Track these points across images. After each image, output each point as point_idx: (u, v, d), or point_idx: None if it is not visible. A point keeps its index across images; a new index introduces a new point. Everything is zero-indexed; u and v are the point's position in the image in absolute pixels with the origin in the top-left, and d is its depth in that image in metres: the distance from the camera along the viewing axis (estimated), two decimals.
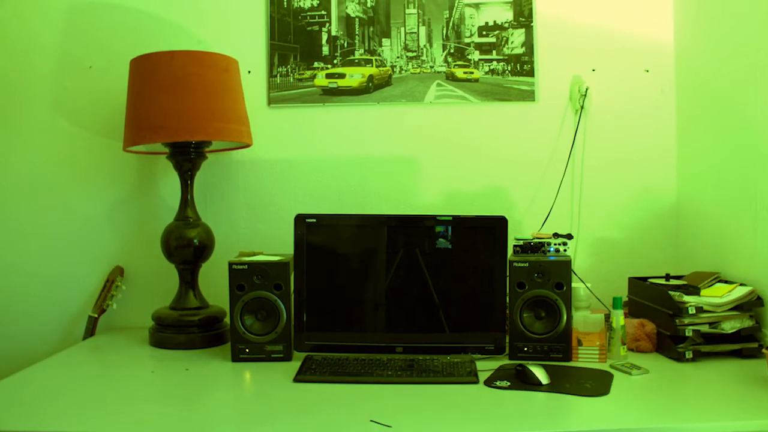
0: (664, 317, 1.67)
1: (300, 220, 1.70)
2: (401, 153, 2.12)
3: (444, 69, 2.14)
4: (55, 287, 2.12)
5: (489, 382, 1.46)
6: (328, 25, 2.13)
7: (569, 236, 1.80)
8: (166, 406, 1.39)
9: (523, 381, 1.45)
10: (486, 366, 1.58)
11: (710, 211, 1.92)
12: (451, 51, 2.14)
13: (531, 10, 2.12)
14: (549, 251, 1.76)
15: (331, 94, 2.13)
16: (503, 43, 2.13)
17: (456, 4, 2.13)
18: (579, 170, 2.11)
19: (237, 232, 2.11)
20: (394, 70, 2.14)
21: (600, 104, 2.10)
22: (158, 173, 2.12)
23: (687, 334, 1.62)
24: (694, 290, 1.69)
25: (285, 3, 2.12)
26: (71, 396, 1.44)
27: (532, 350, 1.64)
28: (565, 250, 1.76)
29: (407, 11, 2.14)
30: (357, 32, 2.14)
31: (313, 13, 2.13)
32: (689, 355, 1.61)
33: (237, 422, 1.29)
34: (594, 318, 1.73)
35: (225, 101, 1.84)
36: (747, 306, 1.64)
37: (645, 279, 1.85)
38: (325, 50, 2.14)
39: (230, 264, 1.68)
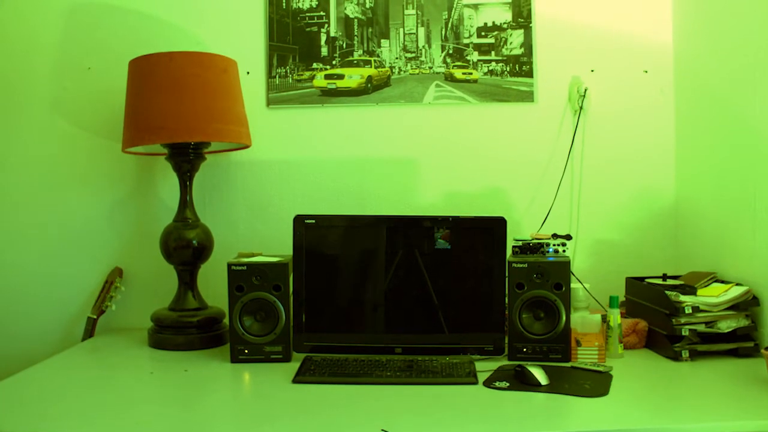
0: (660, 317, 1.68)
1: (299, 221, 1.71)
2: (400, 154, 2.12)
3: (443, 70, 2.14)
4: (54, 288, 2.12)
5: (488, 383, 1.47)
6: (327, 26, 2.14)
7: (568, 237, 1.81)
8: (165, 407, 1.39)
9: (522, 382, 1.45)
10: (485, 367, 1.59)
11: (709, 211, 1.92)
12: (450, 52, 2.14)
13: (530, 10, 2.12)
14: (548, 252, 1.76)
15: (330, 95, 2.13)
16: (502, 43, 2.13)
17: (455, 5, 2.13)
18: (578, 171, 2.12)
19: (236, 233, 2.12)
20: (393, 70, 2.14)
21: (599, 105, 2.10)
22: (157, 174, 2.12)
23: (683, 334, 1.63)
24: (690, 290, 1.69)
25: (284, 4, 2.12)
26: (70, 397, 1.44)
27: (531, 351, 1.64)
28: (564, 251, 1.76)
29: (406, 12, 2.14)
30: (356, 33, 2.14)
31: (311, 14, 2.13)
32: (686, 354, 1.62)
33: (236, 423, 1.29)
34: (593, 318, 1.73)
35: (224, 102, 1.84)
36: (743, 306, 1.65)
37: (642, 279, 1.86)
38: (324, 51, 2.14)
39: (229, 265, 1.68)
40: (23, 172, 2.12)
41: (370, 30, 2.14)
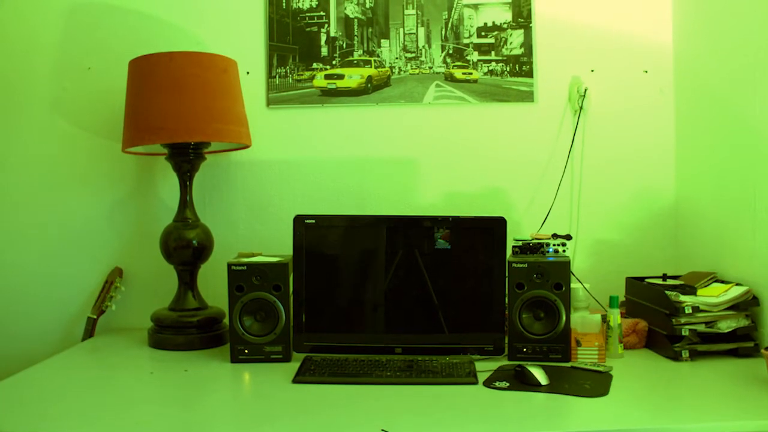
0: (660, 317, 1.68)
1: (299, 221, 1.71)
2: (400, 154, 2.12)
3: (443, 70, 2.14)
4: (54, 288, 2.12)
5: (488, 383, 1.47)
6: (326, 26, 2.14)
7: (568, 237, 1.81)
8: (165, 407, 1.39)
9: (522, 382, 1.45)
10: (485, 367, 1.59)
11: (709, 211, 1.92)
12: (450, 52, 2.14)
13: (530, 10, 2.12)
14: (548, 252, 1.76)
15: (330, 95, 2.13)
16: (502, 43, 2.13)
17: (455, 5, 2.13)
18: (578, 171, 2.12)
19: (236, 233, 2.12)
20: (393, 70, 2.14)
21: (599, 105, 2.10)
22: (157, 174, 2.12)
23: (683, 334, 1.63)
24: (690, 290, 1.69)
25: (284, 4, 2.12)
26: (70, 397, 1.44)
27: (531, 351, 1.64)
28: (564, 251, 1.76)
29: (406, 12, 2.14)
30: (356, 33, 2.14)
31: (311, 14, 2.13)
32: (686, 354, 1.62)
33: (236, 423, 1.29)
34: (593, 318, 1.73)
35: (224, 102, 1.84)
36: (743, 306, 1.65)
37: (642, 279, 1.86)
38: (324, 51, 2.14)
39: (229, 265, 1.68)
40: (23, 172, 2.12)
41: (370, 30, 2.14)
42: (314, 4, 2.13)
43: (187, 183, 1.93)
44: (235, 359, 1.67)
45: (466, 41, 2.14)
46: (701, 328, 1.64)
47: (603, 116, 2.11)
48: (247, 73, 2.10)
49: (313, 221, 1.71)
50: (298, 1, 2.13)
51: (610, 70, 2.11)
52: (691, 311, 1.63)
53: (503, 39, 2.13)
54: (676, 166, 2.11)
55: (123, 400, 1.42)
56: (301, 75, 2.13)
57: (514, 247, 1.78)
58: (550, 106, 2.12)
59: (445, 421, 1.26)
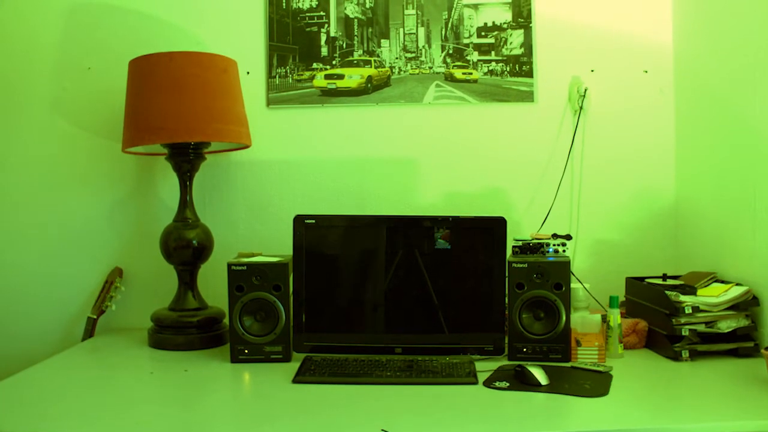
0: (660, 317, 1.68)
1: (299, 221, 1.71)
2: (400, 154, 2.12)
3: (443, 70, 2.14)
4: (54, 288, 2.12)
5: (488, 383, 1.47)
6: (326, 26, 2.14)
7: (568, 237, 1.81)
8: (165, 408, 1.39)
9: (522, 382, 1.45)
10: (485, 367, 1.59)
11: (709, 211, 1.92)
12: (450, 52, 2.14)
13: (530, 10, 2.12)
14: (548, 252, 1.76)
15: (330, 95, 2.13)
16: (502, 43, 2.13)
17: (455, 5, 2.13)
18: (578, 171, 2.12)
19: (236, 233, 2.12)
20: (393, 70, 2.14)
21: (599, 105, 2.10)
22: (157, 174, 2.12)
23: (683, 334, 1.63)
24: (690, 290, 1.69)
25: (284, 4, 2.12)
26: (70, 397, 1.44)
27: (531, 351, 1.64)
28: (564, 251, 1.76)
29: (406, 12, 2.14)
30: (356, 33, 2.14)
31: (311, 14, 2.13)
32: (686, 354, 1.62)
33: (236, 423, 1.29)
34: (593, 318, 1.73)
35: (224, 102, 1.84)
36: (743, 305, 1.65)
37: (642, 279, 1.86)
38: (324, 51, 2.14)
39: (229, 265, 1.68)
40: (23, 172, 2.12)
41: (370, 30, 2.14)
42: (314, 4, 2.13)
43: (187, 183, 1.93)
44: (235, 359, 1.67)
45: (466, 41, 2.14)
46: (701, 328, 1.64)
47: (603, 116, 2.11)
48: (247, 73, 2.10)
49: (313, 221, 1.71)
50: (298, 1, 2.13)
51: (610, 70, 2.11)
52: (691, 311, 1.63)
53: (503, 39, 2.13)
54: (676, 166, 2.11)
55: (123, 400, 1.42)
56: (301, 75, 2.13)
57: (514, 247, 1.78)
58: (550, 106, 2.12)
59: (445, 421, 1.26)
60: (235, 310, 1.67)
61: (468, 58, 2.14)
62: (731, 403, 1.34)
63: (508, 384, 1.45)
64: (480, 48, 2.14)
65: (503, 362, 1.63)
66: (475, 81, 2.13)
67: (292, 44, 2.13)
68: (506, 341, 1.67)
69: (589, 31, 2.11)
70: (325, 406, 1.35)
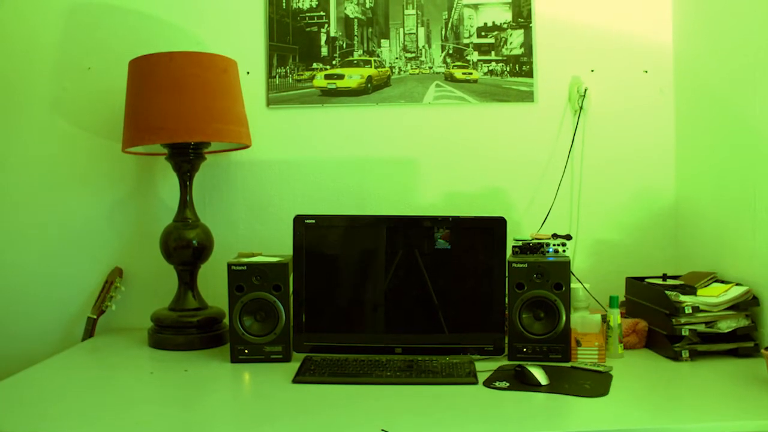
0: (660, 317, 1.68)
1: (299, 221, 1.71)
2: (400, 154, 2.12)
3: (443, 70, 2.14)
4: (54, 288, 2.12)
5: (488, 383, 1.47)
6: (326, 26, 2.14)
7: (568, 237, 1.81)
8: (165, 407, 1.39)
9: (522, 382, 1.45)
10: (485, 367, 1.59)
11: (709, 211, 1.92)
12: (450, 52, 2.14)
13: (530, 10, 2.12)
14: (548, 252, 1.76)
15: (330, 95, 2.13)
16: (502, 43, 2.13)
17: (455, 5, 2.13)
18: (578, 171, 2.12)
19: (236, 233, 2.12)
20: (393, 70, 2.14)
21: (599, 105, 2.10)
22: (157, 174, 2.12)
23: (683, 334, 1.63)
24: (690, 290, 1.69)
25: (284, 4, 2.12)
26: (70, 397, 1.44)
27: (531, 351, 1.64)
28: (564, 251, 1.76)
29: (406, 12, 2.14)
30: (356, 33, 2.14)
31: (311, 14, 2.13)
32: (686, 354, 1.62)
33: (236, 423, 1.29)
34: (593, 318, 1.73)
35: (224, 102, 1.84)
36: (743, 305, 1.65)
37: (642, 279, 1.86)
38: (324, 51, 2.14)
39: (229, 265, 1.68)
40: (23, 171, 2.12)
41: (370, 30, 2.14)
42: (314, 4, 2.13)
43: (187, 183, 1.93)
44: (235, 359, 1.67)
45: (466, 41, 2.14)
46: (701, 328, 1.64)
47: (603, 116, 2.11)
48: (247, 73, 2.10)
49: (313, 221, 1.71)
50: (298, 1, 2.13)
51: (610, 70, 2.11)
52: (691, 311, 1.63)
53: (503, 39, 2.13)
54: (676, 166, 2.11)
55: (123, 400, 1.42)
56: (301, 75, 2.13)
57: (514, 247, 1.78)
58: (550, 106, 2.12)
59: (445, 421, 1.26)
60: (235, 310, 1.67)
61: (468, 58, 2.14)
62: (731, 403, 1.34)
63: (508, 384, 1.45)
64: (480, 48, 2.14)
65: (503, 362, 1.63)
66: (475, 81, 2.13)
67: (292, 44, 2.13)
68: (506, 341, 1.67)
69: (589, 31, 2.11)
70: (325, 406, 1.35)
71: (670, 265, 2.07)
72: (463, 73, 2.14)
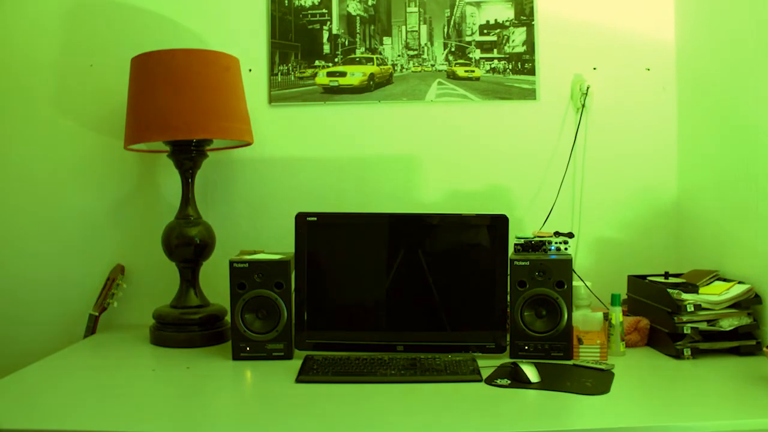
0: (662, 315, 1.68)
1: (301, 218, 1.71)
2: (402, 151, 2.12)
3: (445, 67, 2.14)
4: (55, 285, 2.12)
5: (490, 381, 1.47)
6: (329, 23, 2.13)
7: (570, 235, 1.80)
8: (166, 405, 1.39)
9: (516, 379, 1.46)
10: (485, 364, 1.58)
11: (711, 209, 1.92)
12: (452, 49, 2.14)
13: (532, 8, 2.12)
14: (550, 250, 1.76)
15: (332, 92, 2.13)
16: (504, 41, 2.13)
17: (457, 3, 2.13)
18: (580, 169, 2.12)
19: (238, 230, 2.12)
20: (395, 68, 2.14)
21: (601, 103, 2.10)
22: (159, 171, 2.12)
23: (685, 332, 1.62)
24: (692, 288, 1.69)
25: (286, 1, 2.12)
26: (72, 394, 1.44)
27: (533, 349, 1.64)
28: (566, 249, 1.76)
29: (408, 10, 2.14)
30: (358, 31, 2.14)
31: (314, 12, 2.13)
32: (687, 352, 1.62)
33: (238, 420, 1.30)
34: (594, 316, 1.73)
35: (226, 99, 1.84)
36: (745, 304, 1.65)
37: (644, 277, 1.86)
38: (326, 49, 2.14)
39: (231, 262, 1.68)
40: (25, 169, 2.12)
41: (372, 27, 2.14)
42: (316, 1, 2.13)
43: (189, 180, 1.93)
44: (236, 357, 1.67)
45: (468, 39, 2.14)
46: (703, 326, 1.64)
47: (605, 114, 2.10)
48: (250, 70, 2.10)
49: (315, 219, 1.71)
50: None
51: (612, 67, 2.10)
52: (693, 309, 1.62)
53: (505, 37, 2.13)
54: (679, 164, 2.11)
55: (125, 397, 1.42)
56: (304, 72, 2.13)
57: (516, 244, 1.78)
58: (552, 104, 2.11)
59: (449, 419, 1.26)
60: (236, 308, 1.67)
61: (470, 55, 2.14)
62: (733, 402, 1.34)
63: (509, 381, 1.45)
64: (482, 46, 2.14)
65: (504, 360, 1.63)
66: (478, 79, 2.13)
67: (295, 42, 2.13)
68: (508, 339, 1.67)
69: (591, 28, 2.11)
70: (327, 404, 1.35)
71: (672, 263, 2.07)
72: (466, 71, 2.14)
